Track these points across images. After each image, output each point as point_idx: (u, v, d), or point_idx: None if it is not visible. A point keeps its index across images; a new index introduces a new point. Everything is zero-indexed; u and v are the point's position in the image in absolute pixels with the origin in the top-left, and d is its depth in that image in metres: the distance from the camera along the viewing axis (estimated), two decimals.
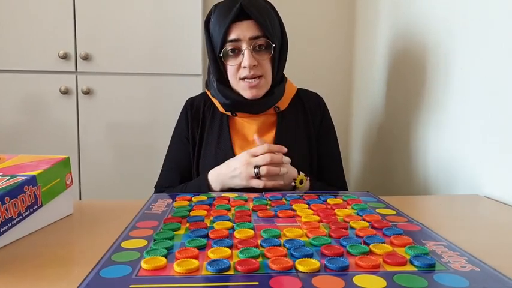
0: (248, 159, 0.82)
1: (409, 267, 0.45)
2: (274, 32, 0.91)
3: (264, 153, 0.81)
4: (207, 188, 0.86)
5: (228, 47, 0.89)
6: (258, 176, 0.81)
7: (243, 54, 0.88)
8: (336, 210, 0.66)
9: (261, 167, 0.80)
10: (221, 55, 0.89)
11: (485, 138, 0.84)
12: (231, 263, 0.45)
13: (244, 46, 0.88)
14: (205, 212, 0.66)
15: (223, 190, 0.85)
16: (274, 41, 0.89)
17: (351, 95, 1.68)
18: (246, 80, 0.90)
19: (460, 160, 0.92)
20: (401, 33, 1.19)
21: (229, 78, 0.92)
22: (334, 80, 1.69)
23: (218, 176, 0.86)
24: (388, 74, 1.29)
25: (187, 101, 1.03)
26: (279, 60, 0.94)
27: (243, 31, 0.87)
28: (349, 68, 1.68)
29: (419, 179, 1.08)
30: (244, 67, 0.88)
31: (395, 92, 1.23)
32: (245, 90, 0.91)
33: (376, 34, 1.40)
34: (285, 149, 0.84)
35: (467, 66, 0.89)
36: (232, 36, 0.88)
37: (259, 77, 0.90)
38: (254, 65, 0.88)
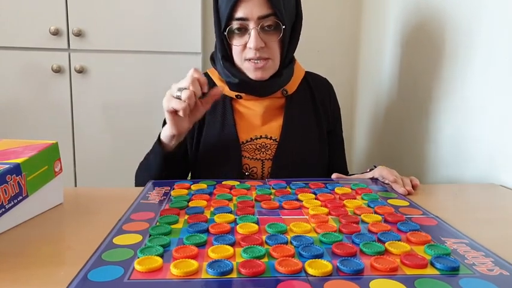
0: (173, 86, 0.72)
1: (430, 270, 0.41)
2: (287, 9, 0.82)
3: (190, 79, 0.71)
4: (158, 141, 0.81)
5: (234, 25, 0.80)
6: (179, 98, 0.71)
7: (250, 34, 0.80)
8: (345, 201, 0.62)
9: (184, 90, 0.70)
10: (226, 33, 0.82)
11: (501, 126, 0.79)
12: (234, 264, 0.41)
13: (251, 25, 0.79)
14: (205, 203, 0.61)
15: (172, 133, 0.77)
16: (285, 22, 0.81)
17: (356, 74, 1.61)
18: (251, 61, 0.82)
19: (473, 147, 0.87)
20: (414, 6, 1.12)
21: (234, 58, 0.85)
22: (338, 59, 1.62)
23: None
24: (398, 54, 1.22)
25: None
26: (289, 41, 0.86)
27: (251, 9, 0.78)
28: (355, 46, 1.61)
29: (430, 166, 1.04)
30: (250, 48, 0.81)
31: (406, 73, 1.17)
32: (250, 71, 0.84)
33: (385, 7, 1.32)
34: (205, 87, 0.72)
35: (490, 48, 0.83)
36: (239, 14, 0.79)
37: (266, 59, 0.82)
38: (261, 47, 0.80)
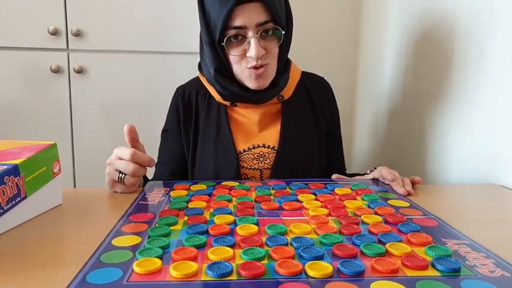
0: (114, 159, 0.70)
1: (431, 272, 0.40)
2: (282, 13, 0.79)
3: (129, 160, 0.68)
4: None
5: (231, 34, 0.76)
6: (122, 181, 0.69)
7: (249, 42, 0.76)
8: (345, 202, 0.62)
9: (126, 176, 0.68)
10: (223, 43, 0.78)
11: (501, 127, 0.79)
12: (234, 266, 0.41)
13: (250, 34, 0.75)
14: (204, 204, 0.61)
15: None
16: (283, 26, 0.78)
17: (356, 76, 1.61)
18: (251, 68, 0.79)
19: (474, 148, 0.87)
20: (419, 6, 1.12)
21: (233, 66, 0.81)
22: (337, 60, 1.62)
23: None
24: (399, 55, 1.22)
25: (177, 89, 0.93)
26: (285, 45, 0.83)
27: (249, 16, 0.74)
28: (354, 47, 1.60)
29: (430, 167, 1.03)
30: (251, 57, 0.77)
31: (407, 74, 1.17)
32: (250, 80, 0.81)
33: (385, 8, 1.32)
34: (153, 164, 0.71)
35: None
36: (236, 22, 0.75)
37: (266, 64, 0.79)
38: (262, 55, 0.77)
